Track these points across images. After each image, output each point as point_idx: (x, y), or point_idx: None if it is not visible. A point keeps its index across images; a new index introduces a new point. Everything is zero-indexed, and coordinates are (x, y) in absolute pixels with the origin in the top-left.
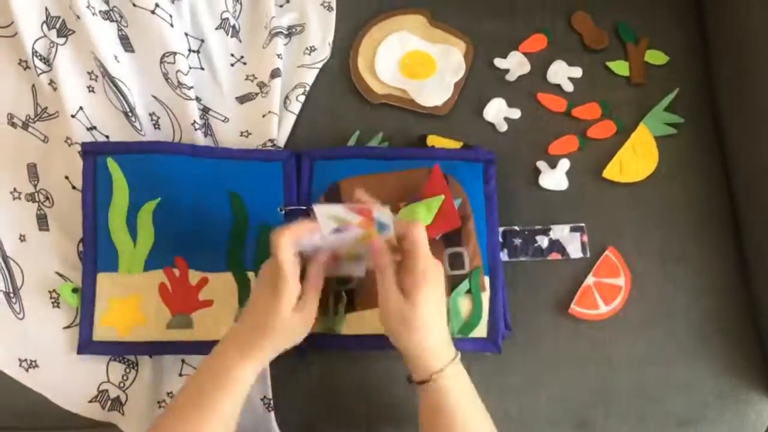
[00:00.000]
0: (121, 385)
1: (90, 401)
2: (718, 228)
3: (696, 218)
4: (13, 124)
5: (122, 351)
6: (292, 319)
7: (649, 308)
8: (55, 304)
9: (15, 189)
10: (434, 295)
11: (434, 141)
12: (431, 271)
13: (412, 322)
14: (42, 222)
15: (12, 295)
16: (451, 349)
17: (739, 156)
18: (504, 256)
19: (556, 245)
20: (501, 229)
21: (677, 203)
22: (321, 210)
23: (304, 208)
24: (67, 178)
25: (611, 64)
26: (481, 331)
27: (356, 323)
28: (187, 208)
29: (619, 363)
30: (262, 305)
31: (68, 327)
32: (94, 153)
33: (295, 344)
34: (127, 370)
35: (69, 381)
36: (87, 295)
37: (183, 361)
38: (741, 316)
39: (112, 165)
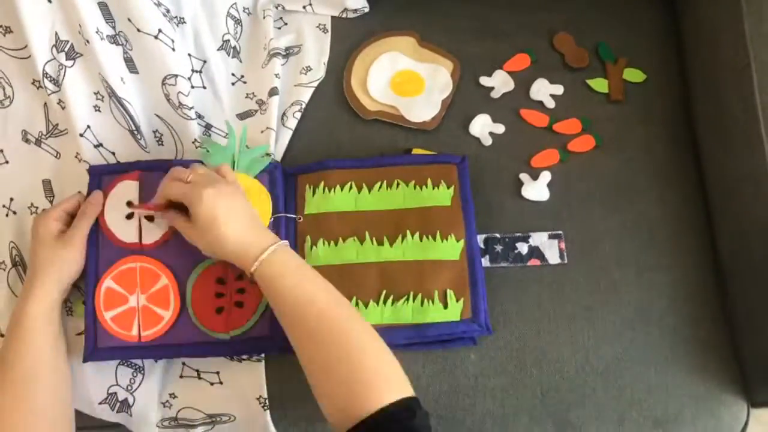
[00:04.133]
0: (129, 387)
1: (100, 403)
2: (693, 237)
3: (672, 228)
4: (27, 141)
5: (125, 356)
6: (52, 246)
7: (627, 314)
8: (69, 313)
9: (32, 204)
10: (207, 206)
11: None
12: (191, 197)
13: (206, 228)
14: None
15: None
16: (263, 241)
17: (714, 168)
18: (486, 261)
19: (536, 252)
20: (483, 236)
21: (654, 213)
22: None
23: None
24: (80, 193)
25: (591, 82)
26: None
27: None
28: None
29: (599, 366)
30: (31, 241)
31: (80, 334)
32: (99, 174)
33: (71, 275)
34: (134, 374)
35: (81, 385)
36: (89, 307)
37: (183, 363)
38: (715, 322)
39: None
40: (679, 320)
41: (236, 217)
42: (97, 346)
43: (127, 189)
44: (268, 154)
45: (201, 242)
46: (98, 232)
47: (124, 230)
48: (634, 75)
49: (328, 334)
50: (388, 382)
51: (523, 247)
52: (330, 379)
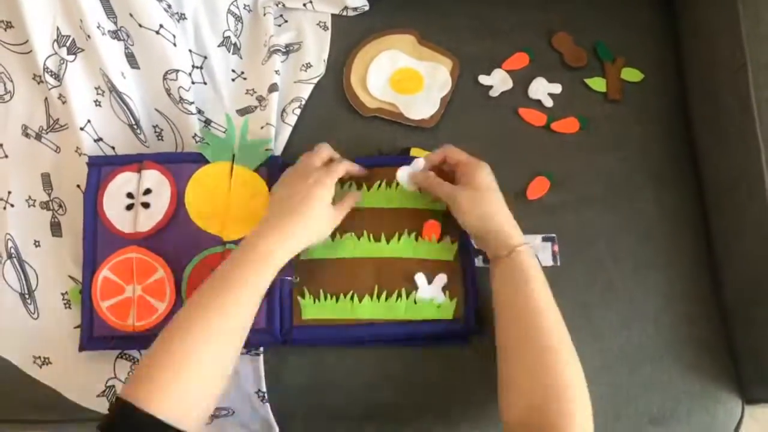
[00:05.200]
0: (127, 380)
1: (98, 396)
2: (689, 235)
3: (668, 226)
4: (27, 135)
5: (121, 346)
6: (325, 210)
7: (623, 312)
8: (67, 305)
9: (30, 197)
10: (488, 178)
11: (417, 152)
12: (476, 163)
13: (482, 198)
14: (55, 229)
15: (27, 296)
16: (521, 234)
17: (710, 167)
18: (479, 262)
19: None
20: None
21: (650, 212)
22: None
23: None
24: (78, 186)
25: (589, 81)
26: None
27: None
28: None
29: (594, 364)
30: (299, 188)
31: (78, 327)
32: (98, 165)
33: (319, 239)
34: (133, 367)
35: (80, 377)
36: (86, 296)
37: None
38: (711, 320)
39: None
40: (675, 318)
41: (504, 205)
42: (93, 335)
43: (127, 180)
44: (268, 149)
45: (471, 207)
46: (96, 221)
47: (122, 221)
48: (631, 74)
49: (547, 343)
50: (585, 409)
51: None
52: (532, 379)
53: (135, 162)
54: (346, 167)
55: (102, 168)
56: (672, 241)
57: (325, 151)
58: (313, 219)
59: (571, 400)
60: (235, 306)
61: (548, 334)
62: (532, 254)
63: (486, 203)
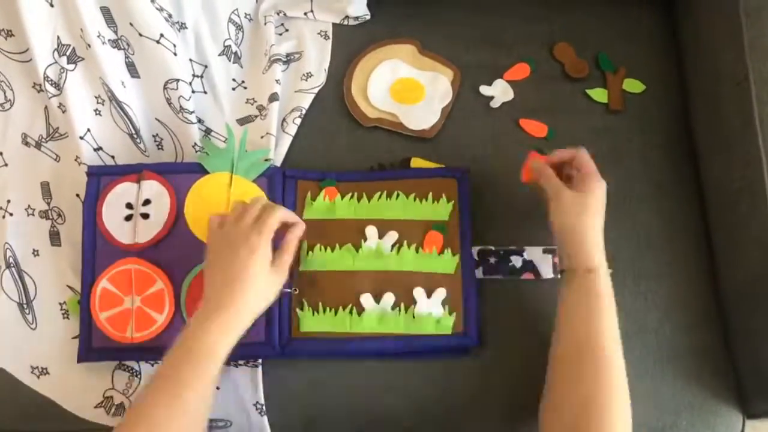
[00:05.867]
0: (125, 391)
1: (96, 406)
2: (690, 247)
3: (669, 237)
4: (27, 144)
5: (119, 357)
6: (265, 279)
7: (623, 322)
8: (65, 316)
9: (29, 206)
10: (602, 194)
11: (417, 163)
12: (598, 177)
13: (588, 205)
14: (54, 238)
15: (25, 306)
16: (604, 258)
17: (712, 179)
18: (479, 273)
19: (529, 265)
20: (477, 248)
21: (651, 223)
22: None
23: None
24: (78, 196)
25: (591, 92)
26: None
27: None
28: None
29: None
30: (233, 263)
31: (76, 337)
32: (98, 175)
33: (267, 305)
34: (131, 378)
35: (77, 388)
36: (85, 306)
37: None
38: (711, 333)
39: None
40: (675, 330)
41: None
42: (92, 346)
43: (127, 190)
44: (267, 159)
45: (572, 208)
46: (96, 232)
47: (122, 232)
48: (633, 85)
49: (602, 370)
50: None
51: (517, 261)
52: (577, 407)
53: (134, 172)
54: (278, 218)
55: (101, 178)
56: (672, 252)
57: (255, 208)
58: (254, 294)
59: None
60: (182, 407)
61: (602, 362)
62: (609, 280)
63: (587, 212)
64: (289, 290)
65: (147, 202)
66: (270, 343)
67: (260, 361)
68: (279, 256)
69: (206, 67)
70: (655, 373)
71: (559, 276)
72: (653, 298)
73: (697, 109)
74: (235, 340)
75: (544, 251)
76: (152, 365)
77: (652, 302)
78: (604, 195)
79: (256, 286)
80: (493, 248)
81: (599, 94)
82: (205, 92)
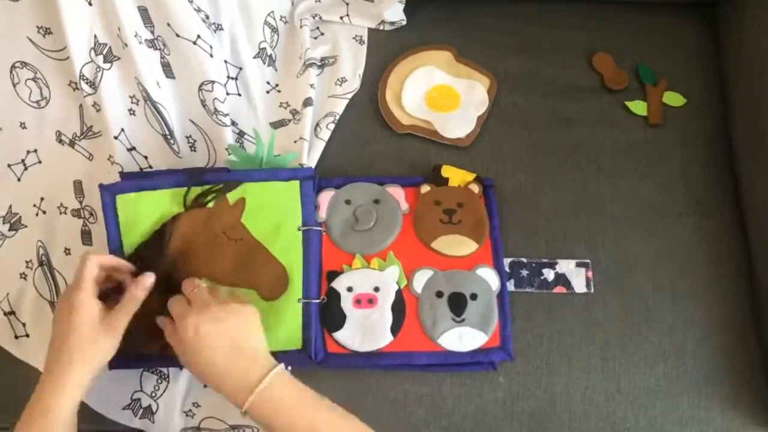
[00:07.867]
0: (153, 394)
1: (124, 408)
2: (730, 265)
3: (709, 255)
4: (61, 141)
5: (150, 364)
6: (92, 334)
7: (660, 342)
8: None
9: (62, 204)
10: (205, 330)
11: (448, 171)
12: (179, 317)
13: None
14: (86, 237)
15: (56, 304)
16: (261, 367)
17: (753, 196)
18: (510, 286)
19: (562, 279)
20: (508, 260)
21: (691, 240)
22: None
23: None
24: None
25: (630, 104)
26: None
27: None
28: None
29: (629, 395)
30: (60, 322)
31: None
32: (112, 191)
33: (102, 363)
34: (159, 381)
35: (106, 389)
36: None
37: None
38: (750, 354)
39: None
40: (714, 351)
41: (225, 351)
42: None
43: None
44: (300, 164)
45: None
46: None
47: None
48: (673, 99)
49: None
50: None
51: (549, 274)
52: None
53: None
54: (92, 266)
55: (116, 196)
56: (712, 270)
57: (88, 265)
58: (79, 351)
59: None
60: None
61: None
62: (271, 387)
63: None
64: (317, 301)
65: None
66: (306, 353)
67: (290, 368)
68: (113, 315)
69: (241, 69)
70: (691, 395)
71: (592, 291)
72: (691, 317)
73: (739, 124)
74: (78, 395)
75: (577, 264)
76: (181, 369)
77: (690, 322)
78: (206, 319)
79: (81, 343)
80: (525, 260)
81: (638, 107)
82: (240, 95)
